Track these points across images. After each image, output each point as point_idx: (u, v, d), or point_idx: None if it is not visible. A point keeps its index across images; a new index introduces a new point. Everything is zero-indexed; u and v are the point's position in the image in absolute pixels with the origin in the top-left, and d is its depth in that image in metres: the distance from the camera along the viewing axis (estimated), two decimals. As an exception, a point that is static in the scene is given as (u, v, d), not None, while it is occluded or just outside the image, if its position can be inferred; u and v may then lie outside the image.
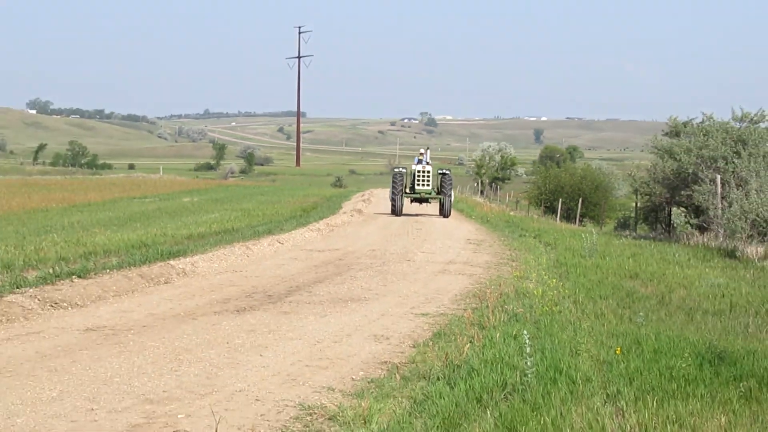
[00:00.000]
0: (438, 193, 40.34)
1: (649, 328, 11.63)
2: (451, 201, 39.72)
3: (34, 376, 9.14)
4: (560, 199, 51.06)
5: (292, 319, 12.87)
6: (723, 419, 7.61)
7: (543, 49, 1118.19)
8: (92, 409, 8.06)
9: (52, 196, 48.41)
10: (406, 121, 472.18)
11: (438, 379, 9.11)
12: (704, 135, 31.64)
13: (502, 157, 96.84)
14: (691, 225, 33.06)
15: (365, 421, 7.73)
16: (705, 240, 26.70)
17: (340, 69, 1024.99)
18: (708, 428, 7.37)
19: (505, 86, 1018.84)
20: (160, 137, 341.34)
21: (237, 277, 17.45)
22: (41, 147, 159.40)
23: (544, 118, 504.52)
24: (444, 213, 39.27)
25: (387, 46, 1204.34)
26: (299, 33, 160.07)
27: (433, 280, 17.74)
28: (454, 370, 9.37)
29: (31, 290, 13.68)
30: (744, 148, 29.70)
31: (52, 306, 13.13)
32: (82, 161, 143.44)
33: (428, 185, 40.32)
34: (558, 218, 47.57)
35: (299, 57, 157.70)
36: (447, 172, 40.69)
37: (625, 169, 72.61)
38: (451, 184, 39.82)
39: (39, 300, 13.16)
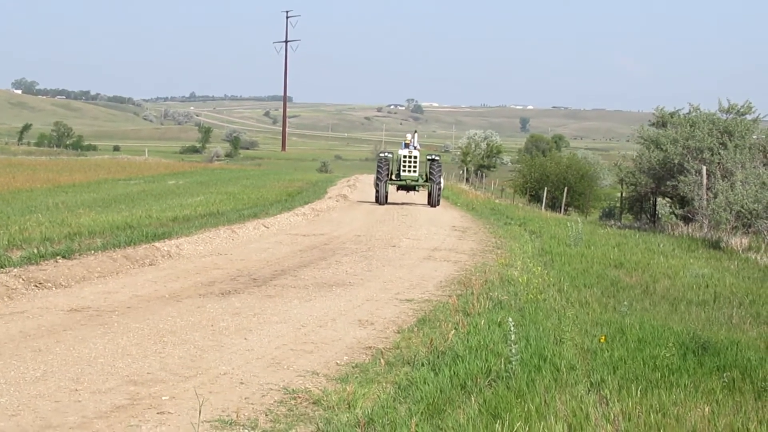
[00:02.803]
0: (426, 181, 38.09)
1: (633, 318, 11.67)
2: (440, 189, 37.59)
3: (18, 356, 9.10)
4: (545, 188, 51.12)
5: (277, 302, 12.87)
6: (706, 409, 7.64)
7: (530, 38, 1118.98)
8: (76, 390, 8.03)
9: (36, 177, 48.04)
10: (392, 107, 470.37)
11: (422, 364, 9.11)
12: (691, 126, 31.72)
13: (487, 144, 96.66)
14: (676, 215, 33.27)
15: (349, 406, 7.74)
16: (690, 230, 26.80)
17: (327, 54, 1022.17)
18: (691, 418, 7.40)
19: (491, 74, 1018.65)
20: (145, 119, 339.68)
21: (222, 260, 17.42)
22: (26, 127, 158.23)
23: (530, 107, 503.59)
24: (432, 202, 37.32)
25: (374, 32, 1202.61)
26: (287, 17, 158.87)
27: (418, 266, 17.74)
28: (438, 357, 9.38)
29: (15, 270, 13.63)
30: (730, 140, 29.80)
31: (36, 286, 13.09)
32: (68, 142, 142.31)
33: (415, 171, 37.96)
34: (543, 207, 47.64)
35: (286, 41, 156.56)
36: (436, 158, 38.72)
37: (610, 159, 72.70)
38: (440, 171, 37.68)
39: (23, 280, 13.12)
